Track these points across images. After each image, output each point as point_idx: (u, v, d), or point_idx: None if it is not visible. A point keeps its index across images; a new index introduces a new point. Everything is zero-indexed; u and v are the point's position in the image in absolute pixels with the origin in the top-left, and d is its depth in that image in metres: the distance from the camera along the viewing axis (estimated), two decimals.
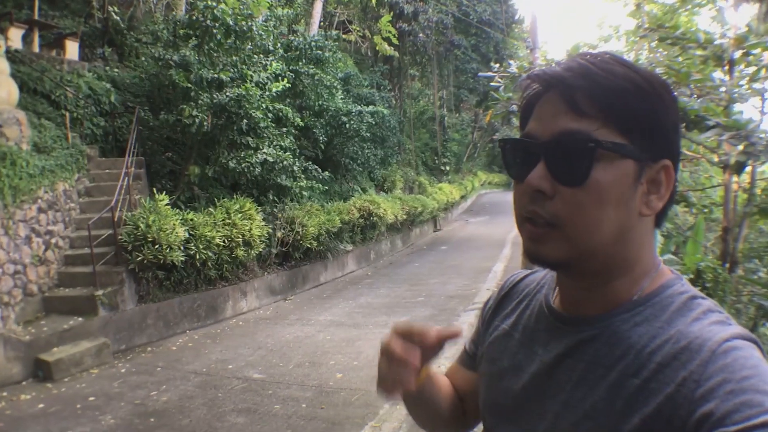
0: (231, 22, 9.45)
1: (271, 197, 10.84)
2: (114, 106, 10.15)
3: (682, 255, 5.01)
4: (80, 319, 6.91)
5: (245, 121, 9.72)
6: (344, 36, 21.15)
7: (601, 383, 0.73)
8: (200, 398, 5.56)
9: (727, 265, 4.55)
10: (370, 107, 14.86)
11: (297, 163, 10.86)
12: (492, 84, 5.29)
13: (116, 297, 7.30)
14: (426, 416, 1.08)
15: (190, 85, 9.26)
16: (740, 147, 3.31)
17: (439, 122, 28.22)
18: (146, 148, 10.18)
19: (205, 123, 9.22)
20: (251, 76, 9.95)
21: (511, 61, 5.93)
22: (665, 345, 0.69)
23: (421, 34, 22.64)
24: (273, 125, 10.82)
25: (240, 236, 8.84)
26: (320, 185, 12.14)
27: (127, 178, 8.34)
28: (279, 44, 11.71)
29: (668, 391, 0.65)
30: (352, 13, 22.40)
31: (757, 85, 4.20)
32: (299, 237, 10.66)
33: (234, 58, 9.92)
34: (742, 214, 4.87)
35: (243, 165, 9.87)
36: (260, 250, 9.54)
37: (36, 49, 10.16)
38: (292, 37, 13.53)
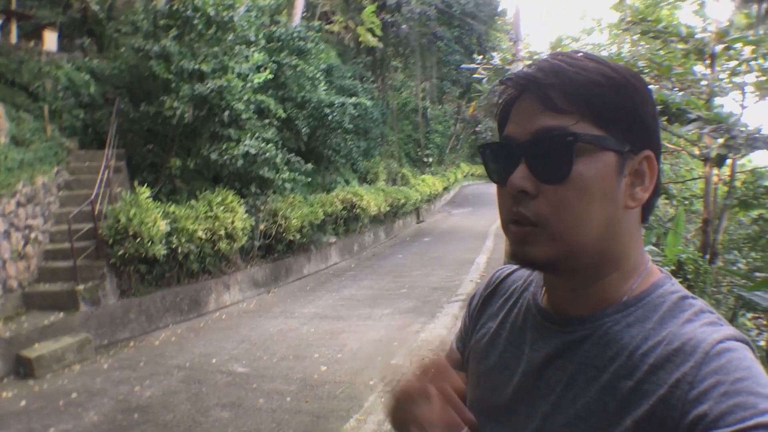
0: (212, 13, 9.33)
1: (253, 189, 10.76)
2: (93, 98, 9.97)
3: (663, 246, 5.07)
4: (61, 314, 6.81)
5: (227, 112, 9.63)
6: (327, 27, 20.97)
7: (592, 384, 0.72)
8: (184, 393, 5.53)
9: (708, 257, 4.62)
10: (353, 99, 14.78)
11: (280, 155, 10.78)
12: (475, 76, 5.30)
13: (98, 292, 7.22)
14: None
15: (170, 77, 9.13)
16: (721, 140, 3.36)
17: (422, 114, 28.22)
18: (127, 141, 10.03)
19: (186, 115, 9.11)
20: (233, 68, 9.84)
21: (494, 54, 5.95)
22: (658, 346, 0.69)
23: (404, 26, 22.60)
24: (255, 117, 10.73)
25: (222, 229, 8.78)
26: (303, 177, 12.09)
27: (107, 170, 8.22)
28: (261, 35, 11.58)
29: (661, 392, 0.65)
30: (335, 4, 22.22)
31: (737, 79, 4.25)
32: (282, 229, 10.64)
33: (215, 48, 9.79)
34: (723, 206, 4.95)
35: (225, 157, 9.80)
36: (243, 242, 9.49)
37: (14, 40, 9.97)
38: (274, 28, 13.36)
